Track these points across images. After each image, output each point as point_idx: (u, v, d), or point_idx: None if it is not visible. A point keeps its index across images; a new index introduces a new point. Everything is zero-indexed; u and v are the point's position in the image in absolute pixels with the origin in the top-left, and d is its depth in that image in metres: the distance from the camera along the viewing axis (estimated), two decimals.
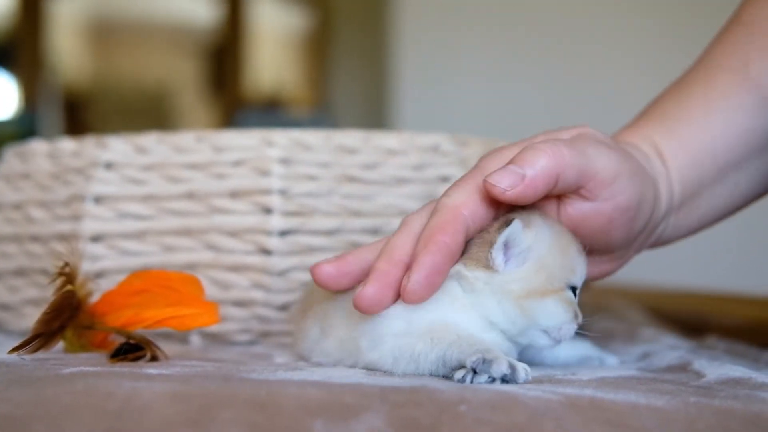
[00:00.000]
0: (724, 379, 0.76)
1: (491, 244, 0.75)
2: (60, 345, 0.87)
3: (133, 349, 0.82)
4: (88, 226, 1.06)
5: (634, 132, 0.91)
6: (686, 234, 0.94)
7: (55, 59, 5.37)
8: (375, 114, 4.25)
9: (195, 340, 1.07)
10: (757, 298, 1.57)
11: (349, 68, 4.87)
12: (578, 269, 0.77)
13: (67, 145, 1.13)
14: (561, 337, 0.77)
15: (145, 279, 0.87)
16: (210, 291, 1.05)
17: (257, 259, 1.03)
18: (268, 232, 1.03)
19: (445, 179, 1.09)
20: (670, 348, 1.01)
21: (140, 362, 0.81)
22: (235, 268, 1.04)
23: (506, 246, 0.75)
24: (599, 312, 1.56)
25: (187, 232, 1.05)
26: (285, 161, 1.06)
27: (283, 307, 1.04)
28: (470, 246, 0.76)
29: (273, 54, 5.65)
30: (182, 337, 1.07)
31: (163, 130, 1.15)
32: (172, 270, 1.04)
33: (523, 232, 0.75)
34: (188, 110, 5.85)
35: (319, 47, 5.29)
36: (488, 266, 0.75)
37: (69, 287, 0.83)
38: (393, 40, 3.71)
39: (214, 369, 0.76)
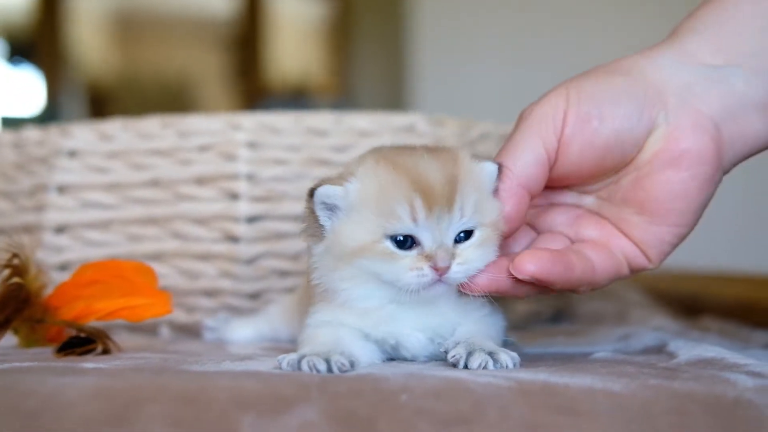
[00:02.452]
0: (695, 360, 0.72)
1: (308, 209, 0.72)
2: (14, 340, 0.84)
3: (83, 343, 0.79)
4: (52, 217, 1.03)
5: (672, 44, 0.78)
6: None
7: (78, 54, 5.35)
8: (396, 100, 4.21)
9: (164, 332, 1.04)
10: (752, 277, 1.53)
11: (370, 55, 4.83)
12: (405, 213, 0.69)
13: (32, 134, 1.10)
14: (406, 287, 0.70)
15: (97, 270, 0.84)
16: (177, 281, 1.02)
17: (225, 247, 1.00)
18: (235, 219, 1.00)
19: None
20: (653, 330, 0.98)
21: (88, 356, 0.78)
22: (203, 257, 1.01)
23: (327, 208, 0.71)
24: (598, 294, 1.53)
25: (152, 221, 1.02)
26: (252, 145, 1.03)
27: (253, 296, 1.01)
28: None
29: (294, 43, 5.61)
30: (152, 330, 1.04)
31: None
32: (139, 260, 1.01)
33: (332, 189, 0.71)
34: (212, 102, 5.81)
35: (340, 35, 5.25)
36: (318, 234, 0.73)
37: (16, 280, 0.80)
38: (412, 25, 3.67)
39: (159, 361, 0.73)
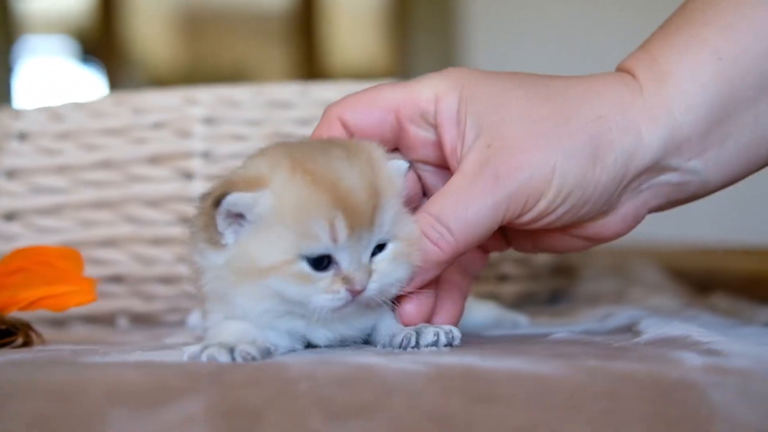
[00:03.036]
0: (658, 339, 0.65)
1: (209, 216, 0.63)
2: None
3: (3, 334, 0.74)
4: (1, 203, 0.98)
5: (626, 60, 0.72)
6: (737, 174, 0.71)
7: (140, 51, 5.35)
8: None
9: (122, 322, 0.98)
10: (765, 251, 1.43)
11: (428, 43, 4.79)
12: (324, 233, 0.61)
13: None
14: (315, 310, 0.63)
15: (23, 256, 0.79)
16: (132, 268, 0.97)
17: (180, 231, 0.94)
18: (189, 200, 0.94)
19: None
20: (642, 309, 0.90)
21: (2, 349, 0.72)
22: (158, 242, 0.96)
23: (231, 215, 0.63)
24: (612, 273, 1.46)
25: (104, 205, 0.97)
26: (209, 121, 0.97)
27: None
28: (201, 207, 0.65)
29: (352, 32, 5.57)
30: (110, 321, 0.99)
31: None
32: (93, 247, 0.96)
33: (243, 198, 0.62)
34: None
35: (397, 23, 5.19)
36: (216, 242, 0.64)
37: None
38: (465, 12, 3.65)
39: (58, 354, 0.67)
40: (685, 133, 0.67)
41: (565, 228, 0.70)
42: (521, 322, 0.88)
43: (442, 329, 0.63)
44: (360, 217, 0.62)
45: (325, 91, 1.00)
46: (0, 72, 4.29)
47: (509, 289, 1.08)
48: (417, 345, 0.63)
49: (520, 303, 1.08)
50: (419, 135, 0.70)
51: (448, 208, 0.65)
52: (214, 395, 0.51)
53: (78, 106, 1.00)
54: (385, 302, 0.65)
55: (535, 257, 1.10)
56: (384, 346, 0.65)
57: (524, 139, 0.66)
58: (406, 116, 0.69)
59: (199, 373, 0.54)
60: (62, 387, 0.52)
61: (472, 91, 0.68)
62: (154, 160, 0.96)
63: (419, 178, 0.72)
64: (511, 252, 1.08)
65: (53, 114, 1.00)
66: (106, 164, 0.97)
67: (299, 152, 0.64)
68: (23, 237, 0.98)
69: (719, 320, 0.86)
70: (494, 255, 1.08)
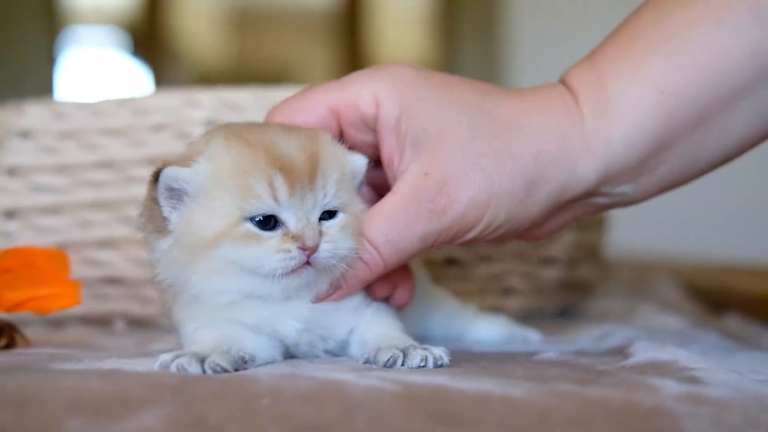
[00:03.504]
0: (644, 363, 0.63)
1: (151, 199, 0.63)
2: None
3: None
4: (1, 201, 0.97)
5: (573, 74, 0.72)
6: (663, 191, 0.73)
7: (186, 48, 5.35)
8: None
9: (118, 325, 0.97)
10: None
11: (472, 45, 4.76)
12: (264, 191, 0.62)
13: None
14: (272, 272, 0.62)
15: (10, 257, 0.78)
16: (129, 271, 0.95)
17: None
18: None
19: None
20: (641, 329, 0.88)
21: None
22: None
23: (173, 196, 0.63)
24: (627, 289, 1.43)
25: (103, 205, 0.96)
26: (210, 123, 0.95)
27: None
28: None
29: (396, 33, 5.55)
30: (105, 322, 0.98)
31: None
32: (90, 248, 0.95)
33: (179, 171, 0.62)
34: None
35: (442, 25, 5.18)
36: (162, 228, 0.64)
37: None
38: (511, 15, 3.64)
39: (30, 358, 0.66)
40: (620, 165, 0.68)
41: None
42: (533, 338, 0.87)
43: (432, 353, 0.62)
44: (299, 176, 0.62)
45: None
46: (43, 62, 4.31)
47: (514, 303, 1.06)
48: (403, 365, 0.62)
49: (526, 318, 1.06)
50: (358, 138, 0.70)
51: (381, 233, 0.66)
52: (174, 408, 0.50)
53: (81, 106, 0.99)
54: (337, 274, 0.65)
55: (544, 272, 1.08)
56: (368, 361, 0.64)
57: (461, 175, 0.67)
58: (346, 120, 0.70)
59: (163, 385, 0.53)
60: (22, 395, 0.51)
61: (413, 104, 0.68)
62: (154, 161, 0.94)
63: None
64: (517, 265, 1.07)
65: (56, 112, 0.99)
66: (105, 165, 0.96)
67: (236, 126, 0.66)
68: (21, 236, 0.97)
69: (724, 343, 0.84)
70: (500, 267, 1.06)
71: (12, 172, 0.98)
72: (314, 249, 0.62)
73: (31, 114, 1.00)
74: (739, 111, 0.67)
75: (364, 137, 0.70)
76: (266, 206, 0.62)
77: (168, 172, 0.62)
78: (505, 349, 0.77)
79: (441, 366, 0.62)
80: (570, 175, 0.68)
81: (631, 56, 0.69)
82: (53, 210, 0.97)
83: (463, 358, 0.69)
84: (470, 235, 0.67)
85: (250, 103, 0.97)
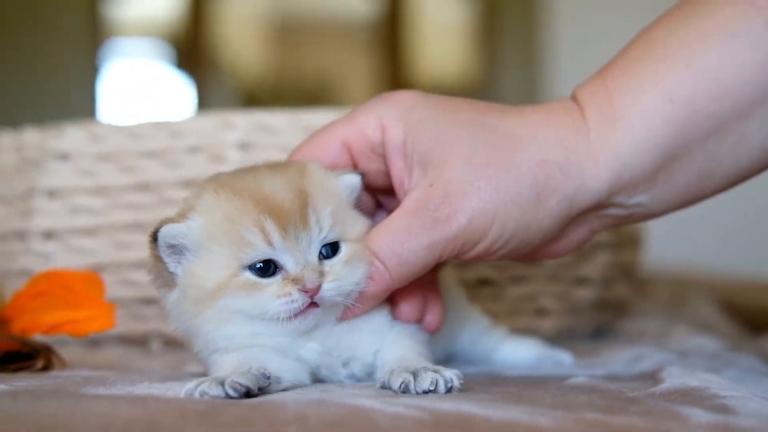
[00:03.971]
0: (674, 389, 0.63)
1: (153, 257, 0.65)
2: None
3: (24, 358, 0.74)
4: (40, 222, 0.99)
5: (582, 88, 0.71)
6: (681, 203, 0.71)
7: (228, 58, 5.38)
8: (539, 98, 4.14)
9: (154, 345, 0.98)
10: None
11: (514, 56, 4.75)
12: (257, 239, 0.63)
13: (30, 135, 1.06)
14: (276, 317, 0.63)
15: (46, 280, 0.79)
16: None
17: None
18: None
19: None
20: (673, 353, 0.87)
21: (20, 373, 0.73)
22: None
23: (175, 252, 0.64)
24: (664, 308, 1.42)
25: (139, 227, 0.97)
26: (244, 146, 0.96)
27: None
28: None
29: (437, 44, 5.55)
30: (142, 342, 0.99)
31: None
32: (126, 269, 0.97)
33: (175, 228, 0.64)
34: (362, 103, 5.76)
35: (483, 36, 5.17)
36: (170, 283, 0.66)
37: None
38: (550, 27, 3.63)
39: (64, 382, 0.67)
40: (631, 175, 0.67)
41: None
42: (565, 360, 0.86)
43: (443, 376, 0.62)
44: (289, 216, 0.63)
45: None
46: (85, 73, 4.36)
47: (547, 324, 1.06)
48: (415, 390, 0.62)
49: (559, 338, 1.06)
50: (371, 167, 0.71)
51: (386, 245, 0.66)
52: None
53: (118, 128, 1.01)
54: (349, 305, 0.66)
55: (577, 292, 1.08)
56: (383, 385, 0.64)
57: (466, 184, 0.66)
58: (357, 151, 0.71)
59: (192, 411, 0.53)
60: (54, 421, 0.52)
61: (418, 125, 0.69)
62: (189, 183, 0.96)
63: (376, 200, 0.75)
64: (550, 286, 1.07)
65: (94, 134, 1.01)
66: (142, 187, 0.98)
67: (225, 176, 0.67)
68: (59, 257, 0.98)
69: (761, 366, 0.83)
70: (533, 288, 1.06)
71: (51, 193, 1.00)
72: (316, 290, 0.63)
73: (70, 136, 1.01)
74: (754, 121, 0.66)
75: (376, 165, 0.70)
76: (261, 252, 0.63)
77: (164, 231, 0.63)
78: (536, 374, 0.76)
79: (451, 389, 0.62)
80: (578, 184, 0.67)
81: (640, 67, 0.68)
82: (90, 231, 0.99)
83: (492, 382, 0.70)
84: (479, 247, 0.67)
85: (284, 125, 0.98)
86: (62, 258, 0.98)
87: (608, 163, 0.67)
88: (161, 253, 0.64)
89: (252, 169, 0.67)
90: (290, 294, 0.63)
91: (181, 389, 0.62)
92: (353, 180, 0.68)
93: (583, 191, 0.67)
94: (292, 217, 0.63)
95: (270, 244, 0.63)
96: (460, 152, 0.67)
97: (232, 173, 0.68)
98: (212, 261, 0.63)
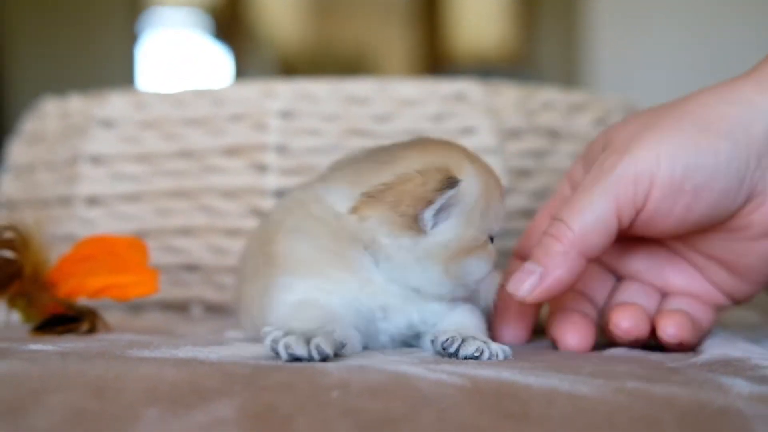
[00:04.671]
0: (714, 360, 0.63)
1: (426, 203, 0.62)
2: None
3: (69, 321, 0.76)
4: (84, 189, 1.00)
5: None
6: None
7: (267, 30, 5.39)
8: (577, 71, 4.12)
9: (195, 311, 1.00)
10: None
11: (553, 27, 4.73)
12: (499, 215, 0.68)
13: (75, 103, 1.07)
14: (480, 287, 0.68)
15: (92, 245, 0.80)
16: (206, 257, 0.98)
17: (252, 223, 0.95)
18: (262, 193, 0.94)
19: (468, 130, 0.98)
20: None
21: (66, 335, 0.74)
22: (231, 232, 0.96)
23: (442, 207, 0.63)
24: None
25: (182, 194, 0.98)
26: (286, 114, 0.97)
27: None
28: (383, 195, 0.63)
29: (476, 14, 5.53)
30: (183, 308, 1.00)
31: None
32: (169, 235, 0.98)
33: (463, 186, 0.64)
34: (398, 76, 5.75)
35: (523, 5, 5.15)
36: (417, 229, 0.63)
37: (4, 254, 0.77)
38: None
39: (109, 345, 0.68)
40: None
41: (713, 227, 0.67)
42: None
43: (489, 348, 0.62)
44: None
45: (400, 88, 0.99)
46: (124, 42, 4.39)
47: None
48: (456, 354, 0.63)
49: None
50: None
51: (565, 208, 0.66)
52: (246, 398, 0.51)
53: (161, 96, 1.01)
54: None
55: None
56: (432, 341, 0.65)
57: (632, 135, 0.66)
58: None
59: (235, 374, 0.54)
60: (102, 382, 0.53)
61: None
62: (231, 151, 0.97)
63: None
64: None
65: (137, 102, 1.02)
66: (185, 154, 0.98)
67: (457, 147, 0.69)
68: (102, 222, 1.00)
69: None
70: None
71: (95, 160, 1.01)
72: None
73: (113, 103, 1.02)
74: None
75: None
76: (499, 227, 0.68)
77: (456, 189, 0.63)
78: None
79: (494, 359, 0.62)
80: (748, 108, 0.64)
81: None
82: (133, 198, 1.00)
83: (532, 351, 0.70)
84: (655, 193, 0.64)
85: (325, 93, 0.98)
86: (106, 224, 0.99)
87: None
88: (437, 202, 0.62)
89: (464, 149, 0.69)
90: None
91: (223, 353, 0.63)
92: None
93: (757, 113, 0.64)
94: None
95: (501, 221, 0.68)
96: (634, 119, 0.68)
97: (454, 144, 0.69)
98: (470, 225, 0.65)
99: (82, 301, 0.79)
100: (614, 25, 3.46)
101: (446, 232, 0.64)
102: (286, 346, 0.59)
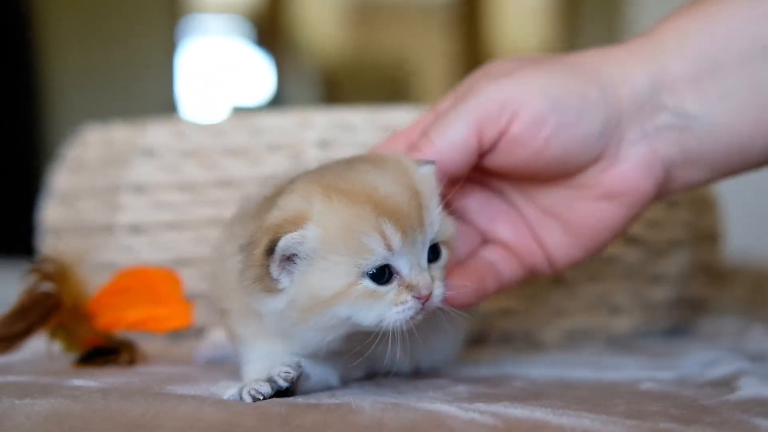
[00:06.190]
0: (750, 399, 0.63)
1: (262, 266, 0.62)
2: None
3: (109, 353, 0.77)
4: (126, 217, 1.02)
5: (653, 58, 0.70)
6: (745, 130, 0.68)
7: (308, 39, 5.42)
8: None
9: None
10: None
11: (595, 35, 4.72)
12: (378, 244, 0.61)
13: (117, 132, 1.09)
14: (391, 326, 0.62)
15: (129, 277, 0.82)
16: None
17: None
18: None
19: None
20: (750, 361, 0.87)
21: (106, 367, 0.76)
22: None
23: (284, 260, 0.61)
24: (744, 306, 1.40)
25: (220, 222, 0.99)
26: (323, 143, 0.98)
27: None
28: (245, 256, 0.63)
29: (516, 22, 5.53)
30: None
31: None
32: (207, 262, 0.99)
33: (292, 238, 0.61)
34: (437, 83, 5.74)
35: (564, 13, 5.14)
36: (271, 290, 0.62)
37: (47, 286, 0.78)
38: (633, 4, 3.60)
39: (148, 380, 0.69)
40: (673, 72, 0.68)
41: (566, 177, 0.70)
42: None
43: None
44: (408, 219, 0.62)
45: None
46: (164, 50, 4.42)
47: (622, 323, 1.06)
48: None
49: (634, 337, 1.05)
50: None
51: (433, 124, 0.69)
52: None
53: (201, 126, 1.03)
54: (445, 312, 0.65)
55: (653, 290, 1.08)
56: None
57: (508, 69, 0.69)
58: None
59: (271, 414, 0.55)
60: (142, 420, 0.54)
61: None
62: (268, 180, 0.98)
63: None
64: (625, 284, 1.06)
65: (178, 132, 1.04)
66: (224, 183, 1.00)
67: (327, 178, 0.64)
68: (143, 250, 1.01)
69: None
70: (607, 287, 1.06)
71: (136, 188, 1.03)
72: (428, 296, 0.62)
73: (154, 133, 1.04)
74: None
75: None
76: (380, 258, 0.61)
77: (283, 243, 0.61)
78: (606, 377, 0.77)
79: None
80: (620, 71, 0.68)
81: (682, 17, 0.70)
82: (174, 226, 1.01)
83: (564, 385, 0.70)
84: (518, 125, 0.67)
85: (362, 122, 0.99)
86: (146, 252, 1.01)
87: (648, 59, 0.68)
88: (272, 264, 0.61)
89: (347, 167, 0.65)
90: (406, 301, 0.62)
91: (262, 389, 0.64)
92: (431, 169, 0.66)
93: (627, 77, 0.68)
94: (411, 219, 0.62)
95: (389, 248, 0.61)
96: (510, 60, 0.71)
97: (328, 172, 0.65)
98: (329, 270, 0.61)
99: (120, 332, 0.80)
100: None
101: (298, 286, 0.62)
102: (253, 394, 0.61)
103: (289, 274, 0.62)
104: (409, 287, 0.62)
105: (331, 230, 0.61)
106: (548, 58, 0.70)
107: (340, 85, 5.60)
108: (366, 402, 0.59)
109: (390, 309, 0.62)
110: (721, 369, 0.79)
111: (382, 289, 0.62)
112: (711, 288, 1.22)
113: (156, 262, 0.99)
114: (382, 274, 0.62)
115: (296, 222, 0.61)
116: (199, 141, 1.02)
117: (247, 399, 0.61)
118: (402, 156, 0.67)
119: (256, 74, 5.15)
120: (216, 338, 0.86)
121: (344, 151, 0.97)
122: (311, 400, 0.61)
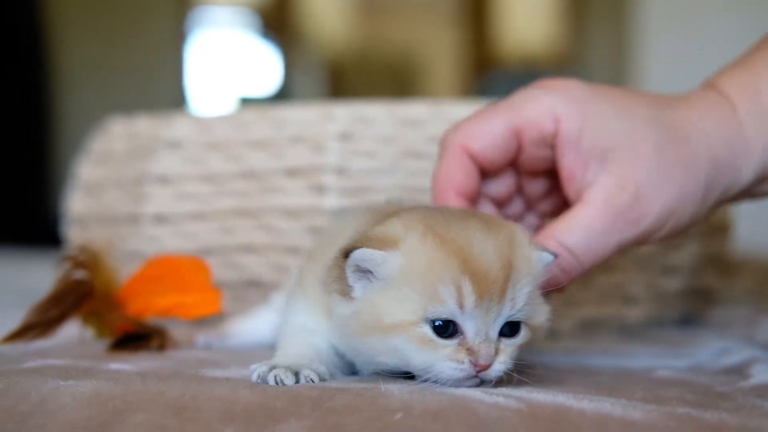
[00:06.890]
0: (763, 385, 0.65)
1: (340, 268, 0.64)
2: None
3: (141, 338, 0.80)
4: (151, 207, 1.05)
5: (726, 80, 0.76)
6: None
7: (315, 32, 5.44)
8: (625, 71, 4.11)
9: None
10: None
11: (601, 28, 4.72)
12: (450, 298, 0.61)
13: (141, 124, 1.11)
14: (437, 379, 0.63)
15: (158, 265, 0.85)
16: (267, 274, 1.01)
17: (311, 241, 0.98)
18: (322, 212, 0.98)
19: None
20: (762, 348, 0.89)
21: (139, 352, 0.78)
22: (291, 250, 1.00)
23: (360, 270, 0.64)
24: (754, 296, 1.42)
25: (244, 213, 1.02)
26: (344, 136, 1.00)
27: None
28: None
29: (523, 15, 5.53)
30: None
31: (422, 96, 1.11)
32: (231, 253, 1.02)
33: (372, 254, 0.63)
34: (444, 76, 5.76)
35: (571, 7, 5.15)
36: (346, 293, 0.65)
37: (79, 273, 0.81)
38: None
39: (181, 364, 0.72)
40: None
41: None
42: None
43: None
44: (489, 286, 0.62)
45: (454, 110, 1.02)
46: (172, 41, 4.44)
47: (635, 312, 1.08)
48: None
49: (647, 326, 1.08)
50: (536, 155, 0.75)
51: (582, 244, 0.71)
52: (314, 420, 0.55)
53: (224, 119, 1.06)
54: None
55: (665, 281, 1.10)
56: None
57: (655, 186, 0.71)
58: (529, 140, 0.74)
59: (303, 397, 0.58)
60: (180, 401, 0.57)
61: (595, 120, 0.72)
62: (291, 172, 1.00)
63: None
64: (638, 274, 1.09)
65: (202, 125, 1.06)
66: (247, 175, 1.02)
67: (435, 218, 0.65)
68: (169, 240, 1.04)
69: None
70: (621, 277, 1.08)
71: (161, 180, 1.05)
72: (486, 367, 0.62)
73: (179, 126, 1.07)
74: None
75: (541, 153, 0.75)
76: (449, 312, 0.62)
77: (358, 254, 0.62)
78: (623, 365, 0.79)
79: None
80: (734, 180, 0.73)
81: None
82: (198, 216, 1.04)
83: (584, 372, 0.73)
84: (654, 237, 0.73)
85: (381, 116, 1.02)
86: (171, 241, 1.04)
87: (758, 155, 0.73)
88: (347, 269, 0.63)
89: (463, 218, 0.65)
90: (462, 362, 0.62)
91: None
92: (548, 260, 0.67)
93: (736, 184, 0.74)
94: (493, 287, 0.62)
95: (461, 306, 0.61)
96: (647, 153, 0.72)
97: (441, 215, 0.66)
98: (398, 300, 0.62)
99: (150, 319, 0.83)
100: (663, 24, 3.43)
101: (366, 301, 0.63)
102: (278, 379, 0.63)
103: (364, 287, 0.64)
104: (470, 351, 0.62)
105: (413, 265, 0.62)
106: (689, 161, 0.73)
107: (346, 77, 5.62)
108: (394, 387, 0.61)
109: (443, 362, 0.62)
110: (734, 357, 0.82)
111: (440, 341, 0.62)
112: (721, 279, 1.24)
113: (180, 251, 1.02)
114: (446, 329, 0.62)
115: (386, 243, 0.63)
116: (223, 133, 1.05)
117: (271, 382, 0.63)
118: (520, 230, 0.67)
119: (264, 66, 5.17)
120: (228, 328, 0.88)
121: (365, 143, 0.99)
122: (341, 384, 0.64)
